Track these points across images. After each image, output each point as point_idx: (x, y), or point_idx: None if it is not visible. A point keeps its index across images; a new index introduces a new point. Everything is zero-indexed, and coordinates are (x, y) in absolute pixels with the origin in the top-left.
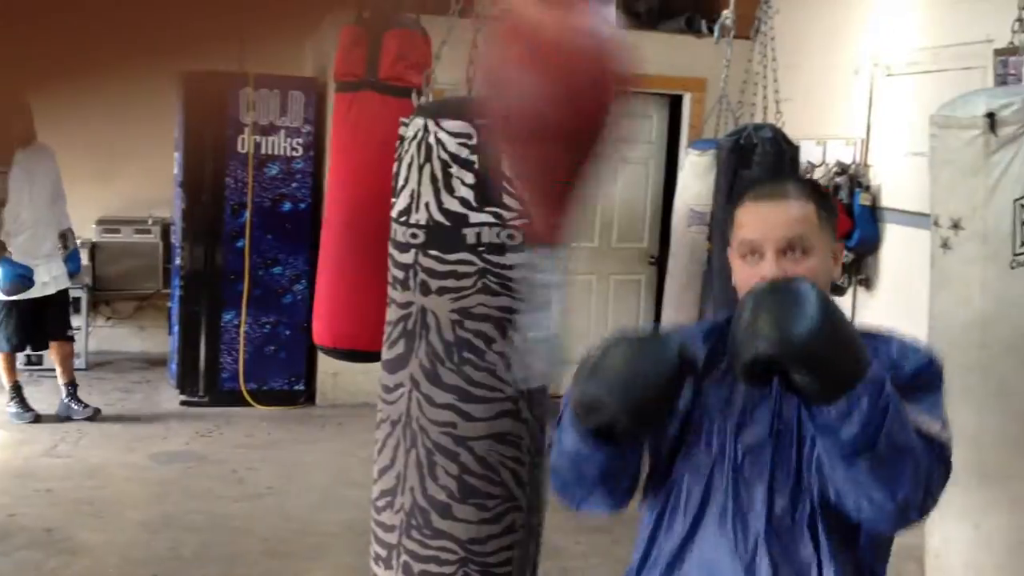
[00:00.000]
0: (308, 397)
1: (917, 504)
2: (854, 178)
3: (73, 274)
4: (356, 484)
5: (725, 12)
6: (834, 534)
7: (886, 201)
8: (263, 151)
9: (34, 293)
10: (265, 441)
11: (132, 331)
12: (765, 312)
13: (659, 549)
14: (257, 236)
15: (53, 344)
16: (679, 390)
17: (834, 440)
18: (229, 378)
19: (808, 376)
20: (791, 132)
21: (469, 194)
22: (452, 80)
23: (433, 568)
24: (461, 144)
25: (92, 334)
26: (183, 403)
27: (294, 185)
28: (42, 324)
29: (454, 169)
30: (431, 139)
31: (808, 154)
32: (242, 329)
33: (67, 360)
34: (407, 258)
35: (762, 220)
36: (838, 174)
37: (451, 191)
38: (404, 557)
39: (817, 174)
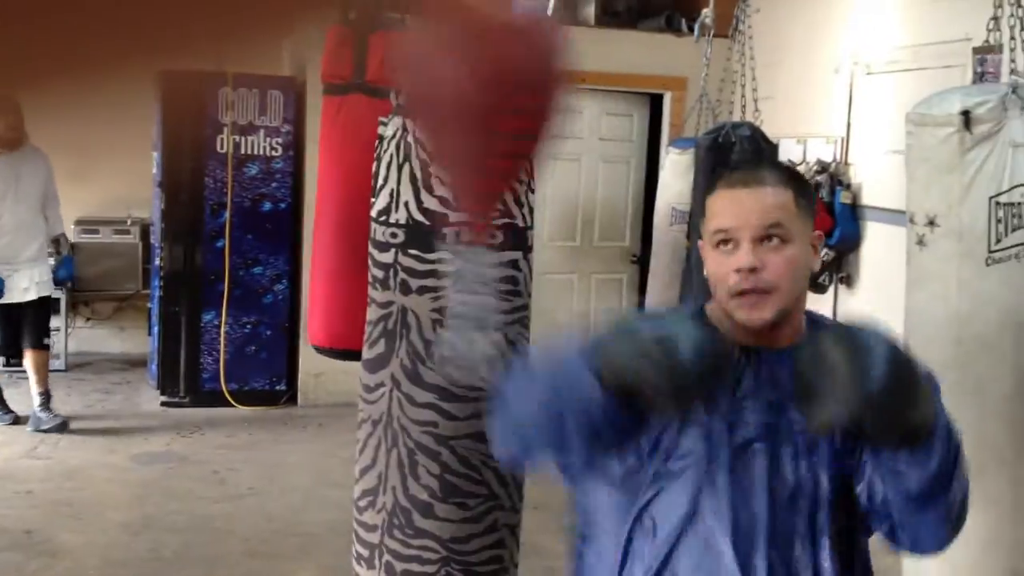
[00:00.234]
0: (290, 397)
1: (962, 527)
2: (834, 176)
3: (63, 281)
4: (338, 484)
5: (705, 11)
6: (835, 536)
7: (867, 199)
8: (242, 151)
9: (13, 298)
10: (246, 442)
11: (112, 332)
12: (837, 368)
13: (639, 554)
14: (237, 236)
15: (27, 352)
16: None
17: (903, 485)
18: (210, 378)
19: (883, 431)
20: (772, 130)
21: (448, 193)
22: None
23: (415, 567)
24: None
25: (72, 335)
26: (163, 404)
27: (274, 185)
28: (19, 331)
29: (433, 168)
30: (410, 138)
31: (788, 152)
32: (223, 329)
33: (41, 369)
34: (387, 257)
35: (736, 207)
36: (818, 172)
37: (430, 190)
38: (386, 556)
39: None
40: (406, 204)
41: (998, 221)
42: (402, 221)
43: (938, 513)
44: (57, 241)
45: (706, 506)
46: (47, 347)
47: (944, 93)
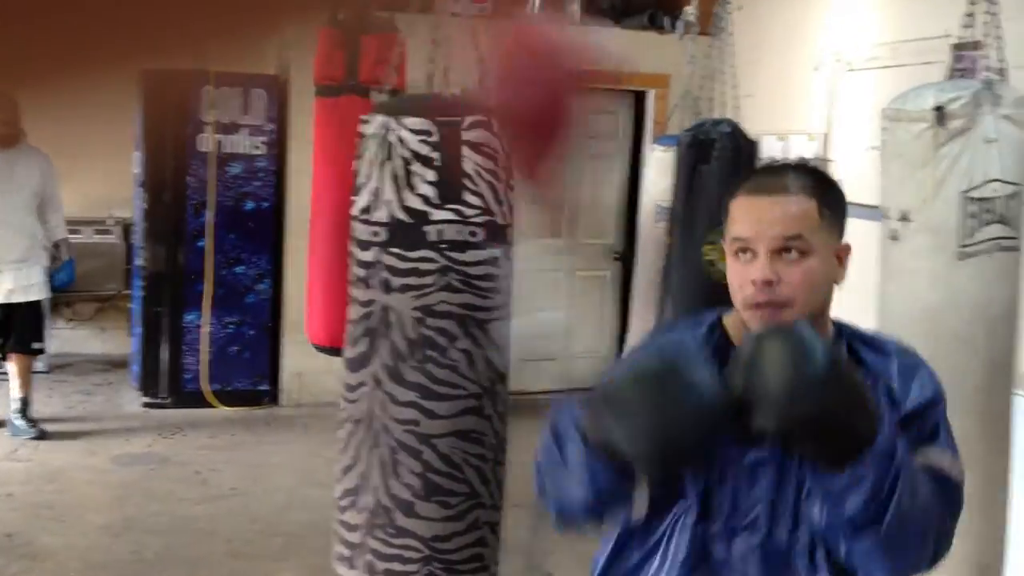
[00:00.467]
0: (272, 397)
1: (926, 559)
2: None
3: (61, 287)
4: (321, 484)
5: (688, 8)
6: (834, 563)
7: (848, 195)
8: (225, 149)
9: None
10: (229, 442)
11: (93, 333)
12: (762, 375)
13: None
14: (219, 235)
15: (11, 355)
16: (718, 431)
17: (838, 509)
18: (192, 379)
19: (809, 446)
20: (754, 127)
21: (431, 191)
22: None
23: (397, 566)
24: (422, 141)
25: (53, 337)
26: (145, 405)
27: (257, 184)
28: (6, 333)
29: (415, 167)
30: (392, 137)
31: (770, 149)
32: (205, 329)
33: (24, 374)
34: (369, 256)
35: (756, 216)
36: None
37: (412, 188)
38: (368, 556)
39: None
40: (388, 202)
41: (971, 216)
42: (384, 219)
43: (879, 541)
44: (58, 246)
45: (708, 517)
46: (35, 352)
47: (919, 89)
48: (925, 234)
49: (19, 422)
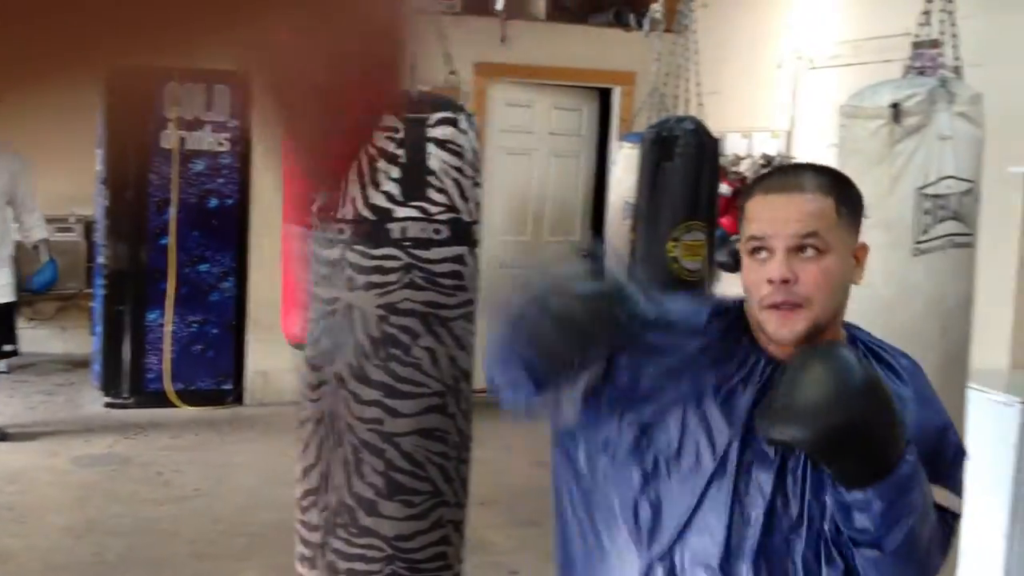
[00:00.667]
0: (236, 397)
1: None
2: None
3: (41, 289)
4: (286, 484)
5: (654, 6)
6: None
7: None
8: (188, 146)
9: None
10: (192, 442)
11: (54, 332)
12: (799, 391)
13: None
14: (183, 233)
15: None
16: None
17: (846, 521)
18: (155, 379)
19: (828, 464)
20: (718, 125)
21: (395, 188)
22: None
23: (359, 566)
24: (387, 138)
25: None
26: (107, 405)
27: (221, 181)
28: None
29: (380, 163)
30: None
31: (734, 146)
32: (168, 328)
33: None
34: (333, 254)
35: (772, 214)
36: (763, 166)
37: (376, 185)
38: (330, 556)
39: (743, 166)
40: (352, 200)
41: (925, 212)
42: (348, 217)
43: (874, 563)
44: (36, 248)
45: (701, 517)
46: (6, 354)
47: (875, 86)
48: (880, 230)
49: None
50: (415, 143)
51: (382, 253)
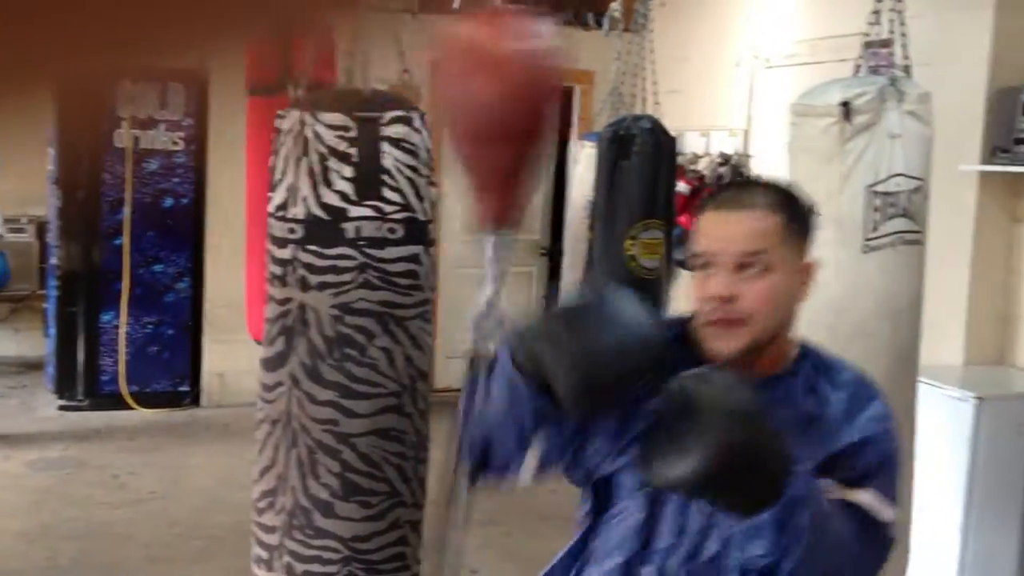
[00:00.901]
0: (193, 399)
1: None
2: (736, 168)
3: None
4: (242, 486)
5: (614, 5)
6: None
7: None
8: (142, 145)
9: None
10: (148, 445)
11: (7, 334)
12: (667, 437)
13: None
14: (137, 233)
15: None
16: (643, 370)
17: (742, 548)
18: (110, 381)
19: (713, 501)
20: (677, 123)
21: (348, 188)
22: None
23: (316, 568)
24: (339, 137)
25: None
26: (61, 408)
27: (175, 180)
28: None
29: (332, 162)
30: (308, 132)
31: (693, 145)
32: (122, 330)
33: None
34: (285, 254)
35: (718, 231)
36: (721, 165)
37: (329, 185)
38: (286, 558)
39: (701, 165)
40: (304, 199)
41: (875, 210)
42: (300, 216)
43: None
44: None
45: (649, 535)
46: None
47: (825, 85)
48: (831, 227)
49: None
50: (368, 142)
51: (336, 253)
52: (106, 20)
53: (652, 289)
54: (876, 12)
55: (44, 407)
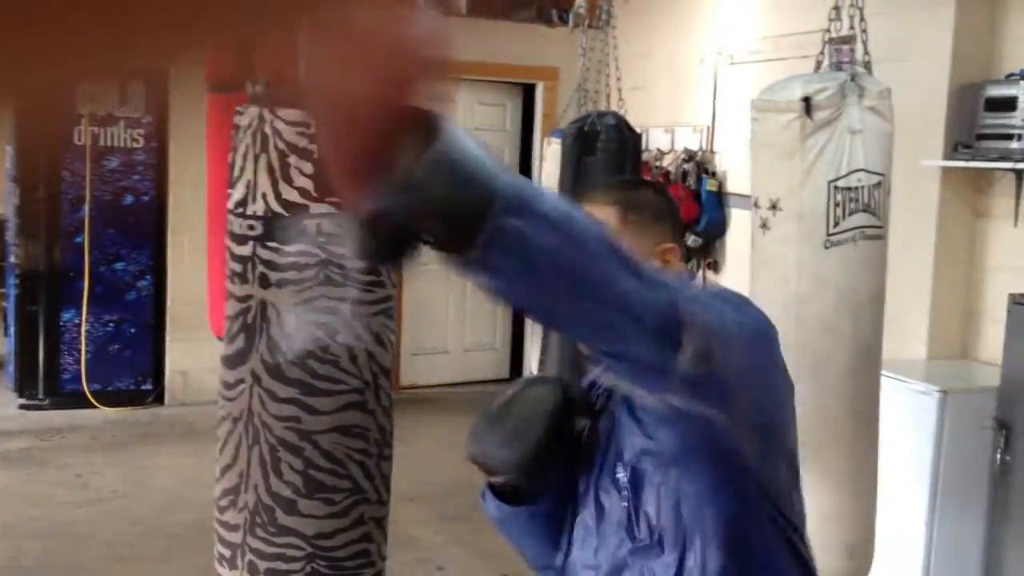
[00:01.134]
0: (157, 397)
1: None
2: (701, 164)
3: None
4: (206, 484)
5: (578, 1)
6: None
7: (731, 186)
8: (101, 142)
9: None
10: (110, 443)
11: None
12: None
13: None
14: (97, 231)
15: None
16: (566, 432)
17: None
18: (71, 379)
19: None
20: (642, 120)
21: (308, 184)
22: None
23: (280, 565)
24: (299, 133)
25: None
26: (22, 407)
27: (136, 177)
28: None
29: (292, 159)
30: (267, 128)
31: (657, 141)
32: (83, 328)
33: None
34: (245, 250)
35: None
36: (686, 161)
37: (289, 181)
38: (249, 556)
39: (666, 161)
40: (263, 195)
41: (836, 205)
42: (260, 213)
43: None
44: None
45: (575, 548)
46: None
47: (786, 81)
48: (793, 222)
49: None
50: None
51: (297, 249)
52: (79, 23)
53: None
54: (837, 8)
55: (4, 406)
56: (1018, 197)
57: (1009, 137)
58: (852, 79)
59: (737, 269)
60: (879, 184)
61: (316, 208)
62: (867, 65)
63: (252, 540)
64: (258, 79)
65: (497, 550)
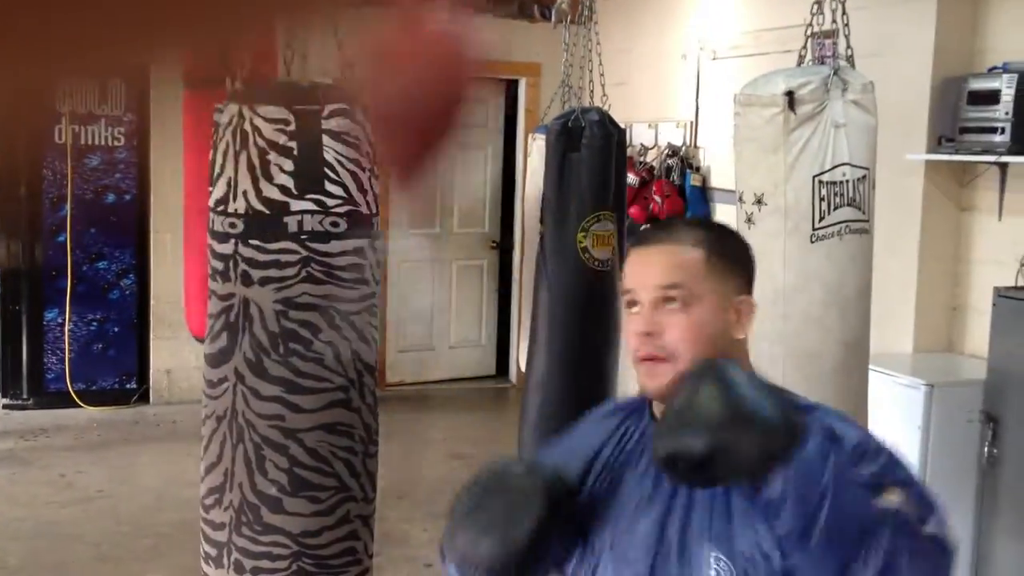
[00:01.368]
0: (141, 396)
1: None
2: (685, 160)
3: None
4: (191, 483)
5: None
6: None
7: (715, 181)
8: (83, 141)
9: None
10: (95, 443)
11: None
12: (671, 411)
13: None
14: (79, 230)
15: None
16: (551, 530)
17: (772, 524)
18: (55, 379)
19: (707, 476)
20: (625, 115)
21: (289, 181)
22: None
23: (265, 564)
24: (279, 130)
25: None
26: (6, 407)
27: (117, 176)
28: None
29: (272, 156)
30: (247, 125)
31: (641, 137)
32: (67, 327)
33: None
34: (226, 248)
35: (639, 267)
36: (669, 156)
37: (270, 179)
38: (235, 555)
39: (650, 156)
40: (244, 193)
41: (821, 199)
42: (240, 210)
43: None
44: None
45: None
46: None
47: (770, 75)
48: (778, 217)
49: None
50: (309, 135)
51: (278, 247)
52: (60, 21)
53: (604, 281)
54: (819, 3)
55: None
56: (1002, 190)
57: (992, 130)
58: (835, 73)
59: None
60: (864, 178)
61: (297, 205)
62: (850, 59)
63: (238, 539)
64: (236, 75)
65: None
